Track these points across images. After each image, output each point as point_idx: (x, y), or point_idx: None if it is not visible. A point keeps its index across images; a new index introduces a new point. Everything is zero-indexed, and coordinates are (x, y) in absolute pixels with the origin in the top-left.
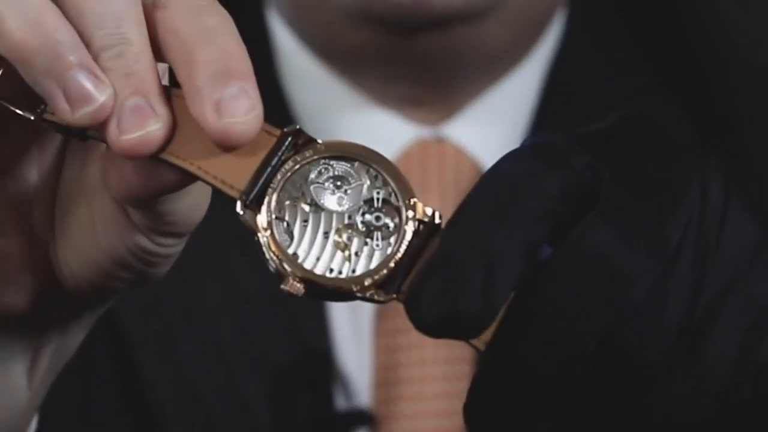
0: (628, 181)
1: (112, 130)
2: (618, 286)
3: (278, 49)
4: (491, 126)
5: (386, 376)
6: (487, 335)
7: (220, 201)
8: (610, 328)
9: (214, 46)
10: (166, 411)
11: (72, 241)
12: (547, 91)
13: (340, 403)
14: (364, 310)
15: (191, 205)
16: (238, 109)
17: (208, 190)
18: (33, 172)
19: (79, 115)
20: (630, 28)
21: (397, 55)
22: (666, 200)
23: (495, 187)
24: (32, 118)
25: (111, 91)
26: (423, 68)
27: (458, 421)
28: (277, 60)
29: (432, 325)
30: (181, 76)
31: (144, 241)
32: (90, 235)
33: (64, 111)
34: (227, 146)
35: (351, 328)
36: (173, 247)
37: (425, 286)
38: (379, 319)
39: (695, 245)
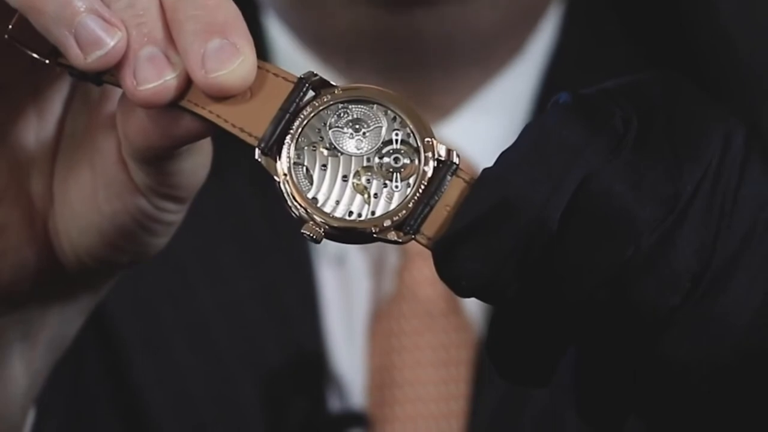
0: (647, 132)
1: (129, 81)
2: (625, 235)
3: (275, 51)
4: (487, 127)
5: (381, 379)
6: None
7: (214, 202)
8: (617, 274)
9: (193, 1)
10: (158, 414)
11: (73, 208)
12: (543, 91)
13: (334, 405)
14: (358, 312)
15: (194, 166)
16: (222, 61)
17: (211, 152)
18: (31, 140)
19: (90, 60)
20: (629, 26)
21: (392, 36)
22: (683, 151)
23: (543, 149)
24: (47, 61)
25: (121, 34)
26: (417, 53)
27: (456, 423)
28: (274, 61)
29: (462, 292)
30: (173, 35)
31: (145, 205)
32: (92, 200)
33: (77, 56)
34: (224, 97)
35: (344, 330)
36: (174, 214)
37: (461, 248)
38: (373, 321)
39: (711, 196)
